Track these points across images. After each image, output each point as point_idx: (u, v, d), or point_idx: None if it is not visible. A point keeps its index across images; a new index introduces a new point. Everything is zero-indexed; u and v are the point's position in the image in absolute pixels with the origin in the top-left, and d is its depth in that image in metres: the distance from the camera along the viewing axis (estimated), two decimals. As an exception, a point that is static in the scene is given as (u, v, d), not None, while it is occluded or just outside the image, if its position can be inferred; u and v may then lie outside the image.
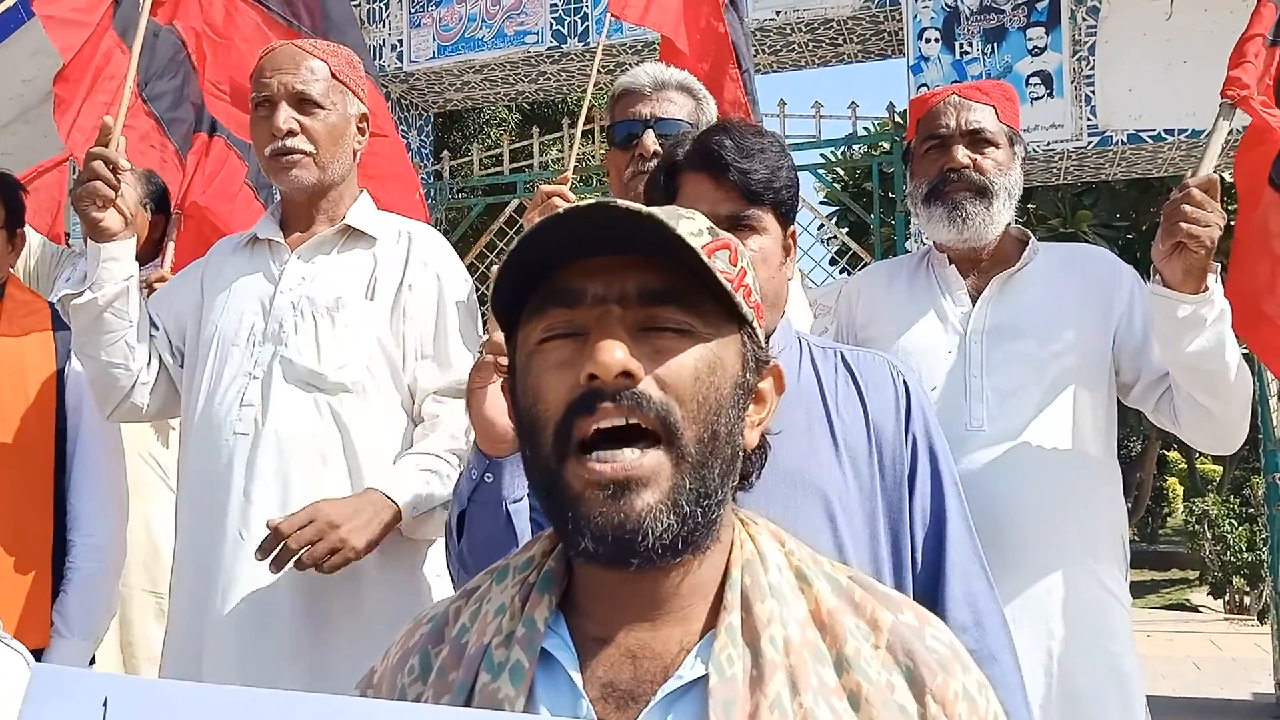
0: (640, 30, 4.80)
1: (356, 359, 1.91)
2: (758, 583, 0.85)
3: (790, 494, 1.35)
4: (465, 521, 1.47)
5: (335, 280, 1.96)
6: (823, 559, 0.93)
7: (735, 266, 0.87)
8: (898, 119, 5.31)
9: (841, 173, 8.99)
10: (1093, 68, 4.83)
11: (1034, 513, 1.90)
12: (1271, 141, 1.94)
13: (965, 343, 2.01)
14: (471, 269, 5.05)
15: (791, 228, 1.50)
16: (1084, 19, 4.82)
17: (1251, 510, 12.06)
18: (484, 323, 1.99)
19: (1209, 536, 12.58)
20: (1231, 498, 13.90)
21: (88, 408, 2.28)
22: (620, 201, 0.81)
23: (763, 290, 1.41)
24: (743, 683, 0.80)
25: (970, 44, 4.96)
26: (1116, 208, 9.19)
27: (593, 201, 0.81)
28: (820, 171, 6.01)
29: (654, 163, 1.85)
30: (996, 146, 2.04)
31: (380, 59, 5.96)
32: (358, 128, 2.06)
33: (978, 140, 2.03)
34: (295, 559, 1.75)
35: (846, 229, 8.36)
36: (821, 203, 7.11)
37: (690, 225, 0.85)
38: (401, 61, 5.94)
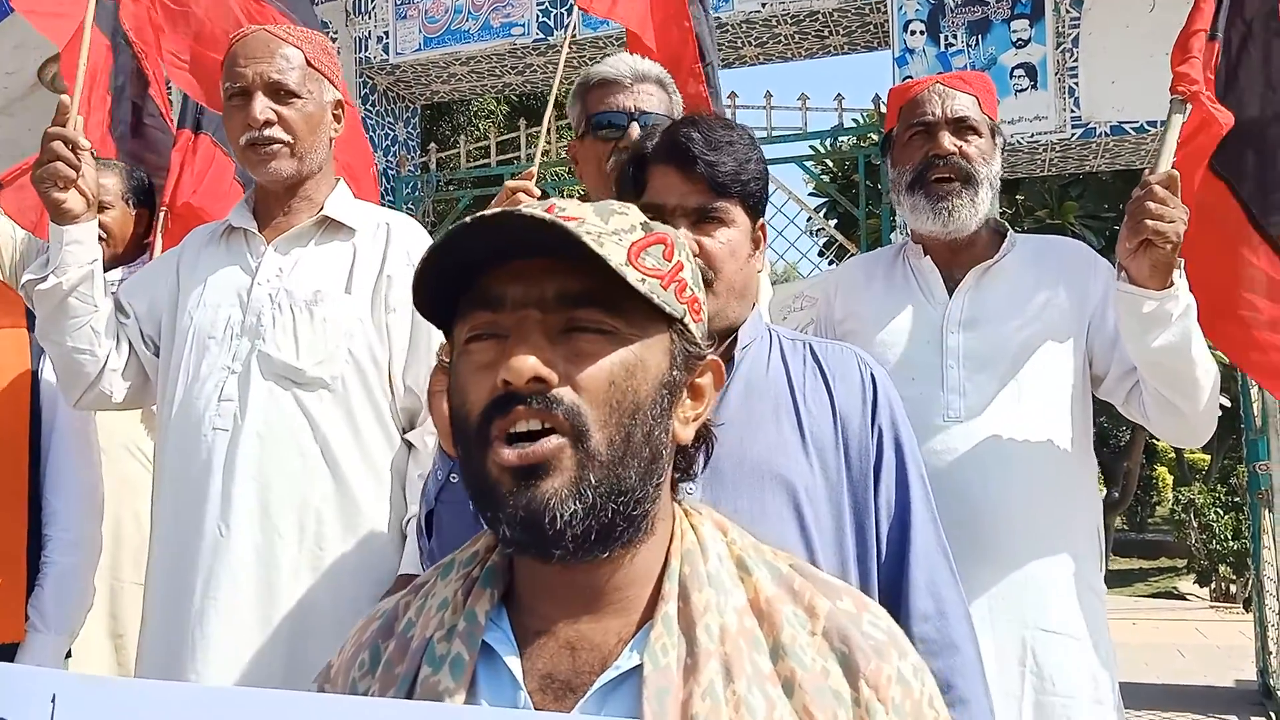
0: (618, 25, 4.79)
1: (336, 354, 1.90)
2: (696, 572, 0.87)
3: (758, 486, 1.35)
4: (434, 521, 1.47)
5: (313, 273, 1.95)
6: (765, 548, 0.94)
7: (670, 261, 0.87)
8: (883, 111, 5.32)
9: (830, 164, 8.99)
10: (1076, 60, 4.84)
11: (1011, 503, 1.90)
12: (1212, 134, 1.96)
13: (942, 335, 2.01)
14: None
15: (761, 220, 1.50)
16: (1067, 11, 4.83)
17: (1238, 499, 12.13)
18: None
19: (1195, 525, 12.66)
20: (1218, 486, 13.97)
21: (63, 404, 2.27)
22: (528, 210, 0.82)
23: (731, 281, 1.43)
24: (676, 671, 0.81)
25: (955, 36, 4.97)
26: (1103, 199, 9.23)
27: (499, 210, 0.82)
28: (808, 164, 6.01)
29: None
30: (980, 135, 2.04)
31: (366, 51, 5.94)
32: (333, 115, 2.04)
33: (962, 128, 2.03)
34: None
35: (835, 221, 8.37)
36: (810, 194, 7.12)
37: (621, 221, 0.86)
38: (387, 54, 5.92)
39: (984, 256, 2.07)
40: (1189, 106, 1.97)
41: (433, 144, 6.82)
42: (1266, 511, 5.14)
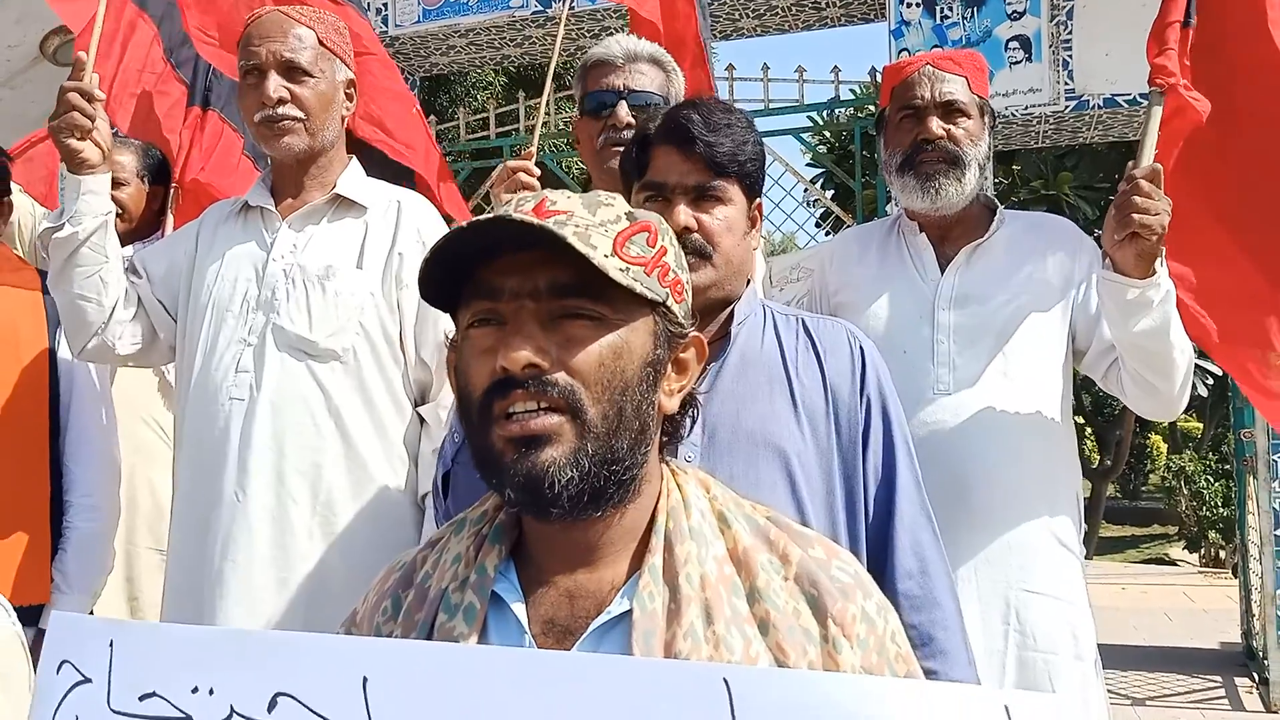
0: (616, -2, 4.81)
1: (347, 327, 1.97)
2: (679, 527, 0.97)
3: (752, 452, 1.43)
4: (450, 482, 1.56)
5: (325, 249, 2.02)
6: (745, 502, 1.04)
7: (653, 248, 0.97)
8: (879, 83, 5.35)
9: (829, 135, 9.01)
10: (1070, 32, 4.87)
11: (996, 471, 1.99)
12: (1188, 119, 2.00)
13: (934, 309, 2.09)
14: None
15: (757, 201, 1.58)
16: (1062, -16, 4.87)
17: (1228, 467, 12.25)
18: None
19: (1185, 492, 12.79)
20: (1210, 455, 14.09)
21: (80, 375, 2.35)
22: (518, 215, 0.91)
23: (729, 256, 1.50)
24: (661, 615, 0.91)
25: (950, 8, 5.00)
26: (1098, 169, 9.27)
27: (493, 215, 0.91)
28: (805, 136, 6.04)
29: (626, 133, 1.94)
30: (969, 117, 2.11)
31: (364, 23, 5.95)
32: (346, 94, 2.10)
33: (951, 111, 2.10)
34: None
35: (833, 191, 8.39)
36: (808, 165, 7.15)
37: (608, 213, 0.95)
38: (386, 25, 5.93)
39: (975, 232, 2.14)
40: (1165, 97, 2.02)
41: (432, 116, 6.85)
42: (1251, 478, 5.24)
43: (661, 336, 0.98)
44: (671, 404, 1.01)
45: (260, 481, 1.93)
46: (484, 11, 5.73)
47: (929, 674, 1.33)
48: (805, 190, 6.17)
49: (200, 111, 2.76)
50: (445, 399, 2.00)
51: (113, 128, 2.01)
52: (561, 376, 0.91)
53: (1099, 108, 4.83)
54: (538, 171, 2.10)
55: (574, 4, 5.31)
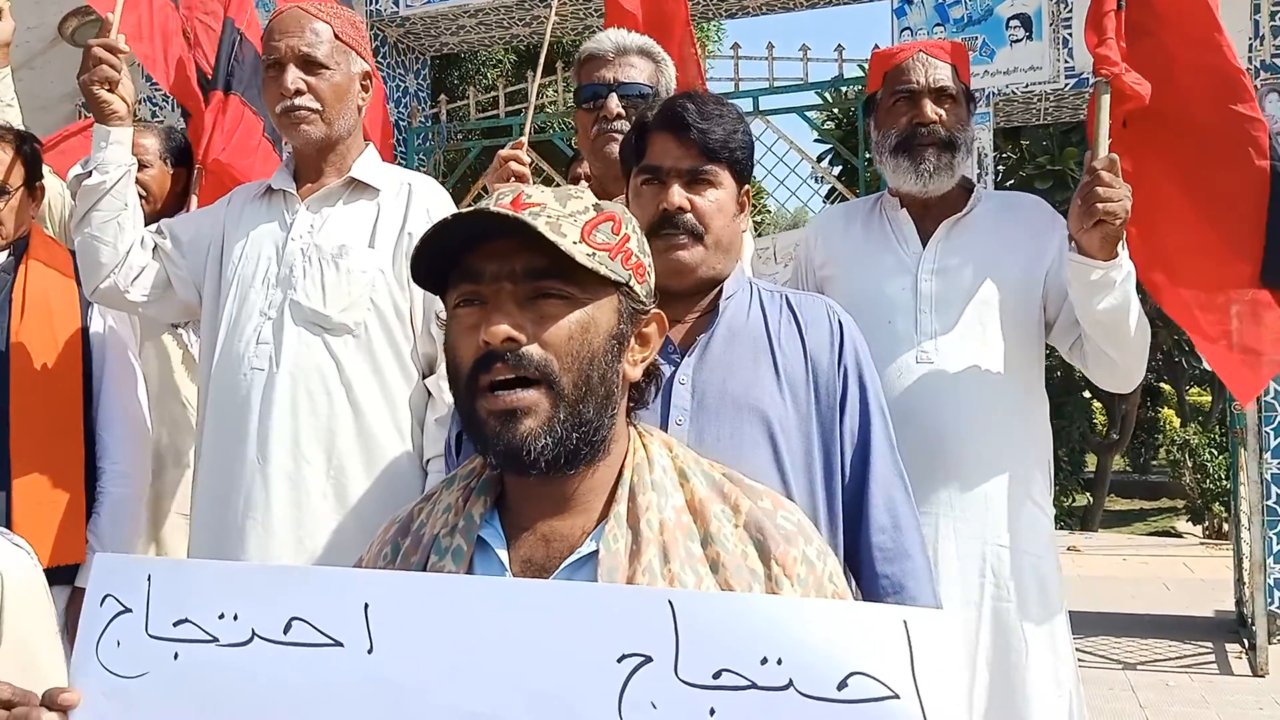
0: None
1: (359, 302, 2.10)
2: (643, 480, 1.11)
3: (737, 417, 1.56)
4: (462, 442, 1.69)
5: (340, 229, 2.15)
6: (704, 460, 1.18)
7: (617, 235, 1.10)
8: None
9: (836, 111, 9.05)
10: (1070, 10, 4.94)
11: (974, 434, 2.12)
12: (1132, 103, 2.09)
13: (916, 282, 2.20)
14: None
15: (746, 186, 1.70)
16: (1062, -38, 4.92)
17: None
18: None
19: (1190, 465, 12.86)
20: (1216, 427, 14.14)
21: (111, 348, 2.49)
22: (496, 208, 1.04)
23: (718, 236, 1.62)
24: (624, 555, 1.06)
25: (952, -13, 5.07)
26: (1104, 144, 9.26)
27: (474, 209, 1.05)
28: (809, 114, 6.13)
29: (617, 123, 2.08)
30: (957, 103, 2.22)
31: (377, 3, 6.04)
32: (361, 85, 2.22)
33: (942, 96, 2.20)
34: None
35: (839, 169, 8.46)
36: (815, 141, 7.21)
37: (576, 205, 1.08)
38: (398, 6, 6.02)
39: (954, 208, 2.25)
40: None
41: (442, 95, 6.94)
42: (1242, 449, 5.32)
43: (625, 313, 1.11)
44: (635, 373, 1.14)
45: (279, 446, 2.06)
46: (493, -9, 5.81)
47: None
48: (811, 169, 6.25)
49: (222, 95, 2.87)
50: None
51: (156, 84, 2.19)
52: (536, 350, 1.04)
53: (1098, 85, 4.89)
54: (528, 159, 2.23)
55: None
